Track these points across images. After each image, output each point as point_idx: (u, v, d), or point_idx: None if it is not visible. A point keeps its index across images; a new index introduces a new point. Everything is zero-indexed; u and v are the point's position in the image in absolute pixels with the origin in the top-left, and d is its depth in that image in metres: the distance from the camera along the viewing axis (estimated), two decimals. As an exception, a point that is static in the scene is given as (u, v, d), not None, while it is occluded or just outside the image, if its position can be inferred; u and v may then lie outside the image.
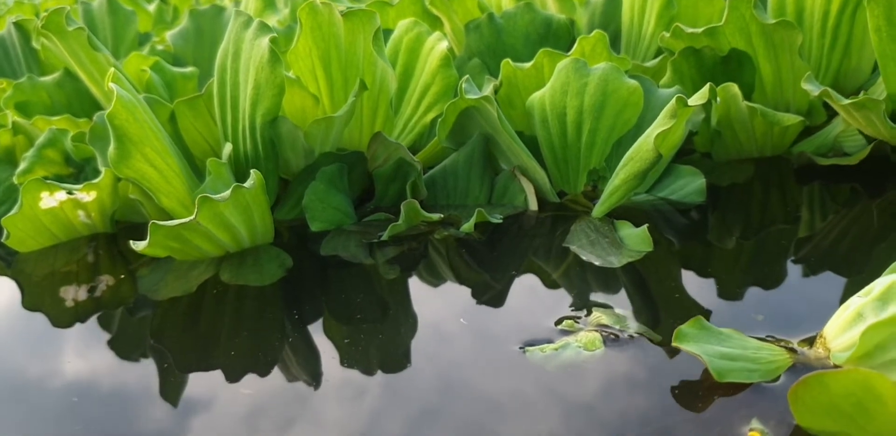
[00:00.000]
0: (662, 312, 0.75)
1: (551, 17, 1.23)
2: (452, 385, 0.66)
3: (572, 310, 0.75)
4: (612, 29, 1.46)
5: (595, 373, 0.65)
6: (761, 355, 0.62)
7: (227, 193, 0.77)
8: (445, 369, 0.68)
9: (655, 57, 1.32)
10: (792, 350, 0.64)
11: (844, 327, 0.61)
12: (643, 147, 0.84)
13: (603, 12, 1.45)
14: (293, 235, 1.00)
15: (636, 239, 0.85)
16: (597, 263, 0.83)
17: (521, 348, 0.69)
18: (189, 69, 1.26)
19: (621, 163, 0.88)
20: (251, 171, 0.81)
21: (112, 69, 0.86)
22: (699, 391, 0.61)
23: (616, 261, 0.83)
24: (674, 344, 0.61)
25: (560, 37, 1.23)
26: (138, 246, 0.78)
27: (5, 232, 0.94)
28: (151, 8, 1.98)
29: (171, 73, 1.23)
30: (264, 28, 0.92)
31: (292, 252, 0.95)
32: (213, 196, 0.76)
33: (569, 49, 1.24)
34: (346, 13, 0.95)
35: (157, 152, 0.85)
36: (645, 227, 0.84)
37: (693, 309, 0.74)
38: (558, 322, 0.72)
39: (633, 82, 0.97)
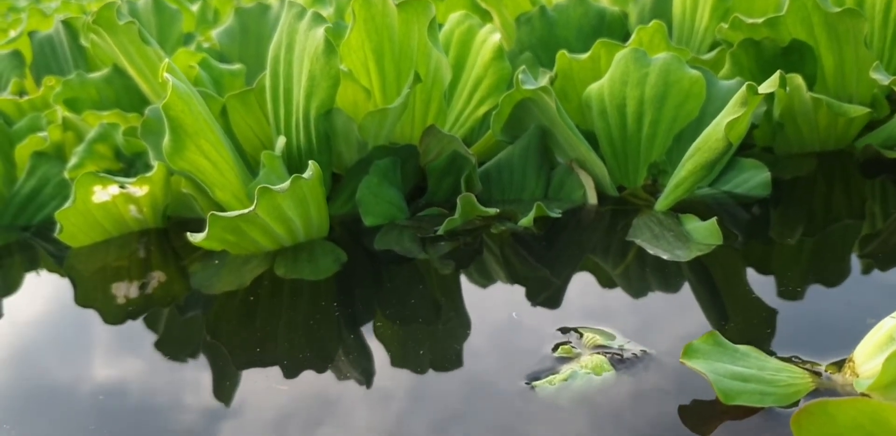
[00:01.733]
0: (688, 321, 0.70)
1: (604, 10, 1.20)
2: (484, 391, 0.63)
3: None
4: (663, 21, 1.43)
5: (608, 398, 0.60)
6: (779, 378, 0.56)
7: (287, 184, 0.75)
8: (487, 371, 0.66)
9: (710, 50, 1.29)
10: (817, 374, 0.57)
11: (874, 351, 0.55)
12: (712, 136, 0.81)
13: (653, 5, 1.43)
14: (345, 229, 0.98)
15: (704, 232, 0.82)
16: (665, 257, 0.80)
17: (527, 383, 0.62)
18: (236, 66, 1.25)
19: (688, 153, 0.85)
20: (309, 162, 0.80)
21: (166, 60, 0.84)
22: (709, 414, 0.56)
23: (684, 255, 0.80)
24: (681, 360, 0.56)
25: (614, 29, 1.20)
26: (196, 238, 0.77)
27: (58, 226, 0.93)
28: (194, 8, 1.98)
29: (218, 70, 1.22)
30: (318, 18, 0.90)
31: (345, 247, 0.93)
32: (273, 187, 0.74)
33: (623, 42, 1.22)
34: (400, 3, 0.93)
35: (212, 144, 0.84)
36: (714, 220, 0.81)
37: (721, 319, 0.69)
38: (554, 349, 0.65)
39: (696, 72, 0.94)
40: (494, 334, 0.72)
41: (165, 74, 0.81)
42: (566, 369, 0.62)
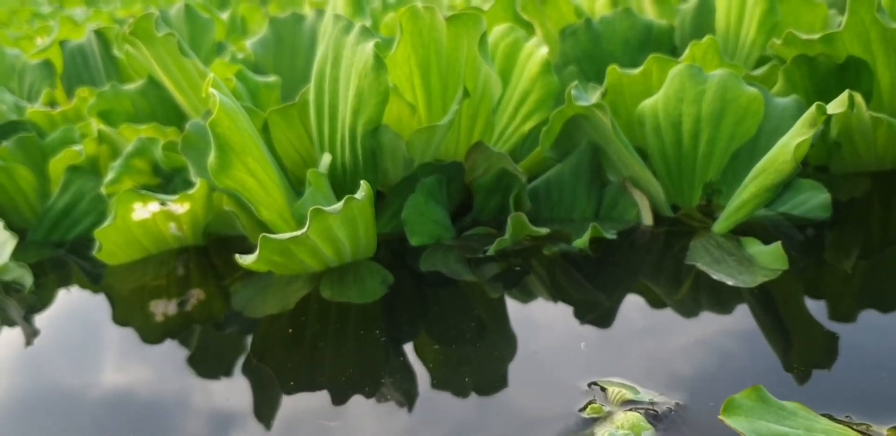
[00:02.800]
0: (733, 364, 0.66)
1: (651, 23, 1.18)
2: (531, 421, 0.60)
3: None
4: (704, 36, 1.39)
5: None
6: (827, 442, 0.51)
7: (340, 205, 0.73)
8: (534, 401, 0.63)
9: (756, 64, 1.26)
10: (873, 439, 0.52)
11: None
12: (778, 158, 0.78)
13: (693, 19, 1.40)
14: (389, 249, 0.95)
15: (769, 257, 0.79)
16: (729, 282, 0.77)
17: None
18: (272, 78, 1.22)
19: (751, 175, 0.82)
20: (361, 181, 0.77)
21: (211, 75, 0.82)
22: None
23: (749, 280, 0.76)
24: (720, 417, 0.51)
25: (661, 43, 1.17)
26: (246, 260, 0.74)
27: (97, 244, 0.91)
28: (223, 16, 1.96)
29: (254, 82, 1.20)
30: (366, 33, 0.87)
31: (391, 267, 0.90)
32: (326, 209, 0.72)
33: (670, 55, 1.19)
34: (450, 17, 0.90)
35: (258, 162, 0.81)
36: (778, 244, 0.78)
37: (770, 361, 0.65)
38: (583, 409, 0.60)
39: (754, 90, 0.91)
40: (542, 364, 0.69)
41: (211, 90, 0.79)
42: (603, 432, 0.57)
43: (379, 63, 0.85)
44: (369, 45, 0.85)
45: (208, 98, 0.82)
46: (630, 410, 0.59)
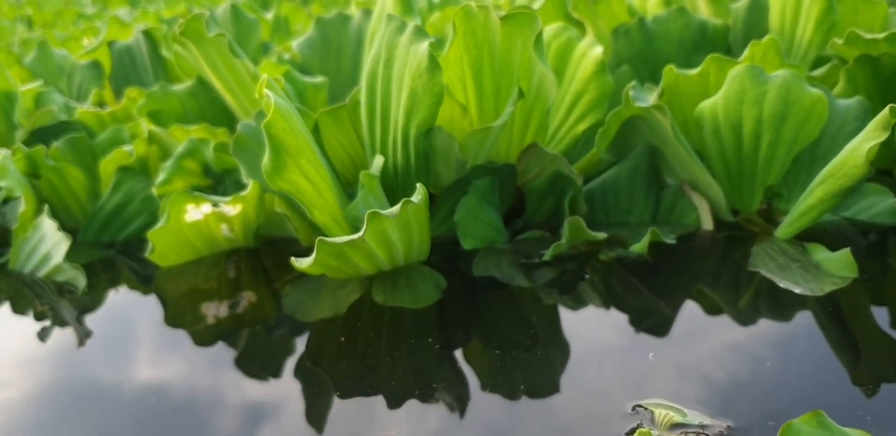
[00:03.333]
0: (791, 381, 0.63)
1: (706, 22, 1.15)
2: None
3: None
4: (757, 35, 1.37)
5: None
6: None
7: (396, 208, 0.71)
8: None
9: (813, 64, 1.23)
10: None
11: None
12: (848, 162, 0.75)
13: (746, 18, 1.36)
14: (440, 252, 0.93)
15: (837, 264, 0.76)
16: (797, 290, 0.74)
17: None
18: (319, 79, 1.22)
19: (818, 179, 0.80)
20: (417, 185, 0.75)
21: (265, 76, 0.81)
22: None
23: (817, 288, 0.74)
24: None
25: (716, 42, 1.15)
26: (302, 263, 0.73)
27: (150, 246, 0.90)
28: (268, 16, 1.96)
29: (302, 82, 1.19)
30: (420, 33, 0.86)
31: (442, 271, 0.88)
32: (383, 212, 0.70)
33: (725, 55, 1.16)
34: (504, 16, 0.89)
35: (312, 164, 0.80)
36: (847, 250, 0.76)
37: (832, 381, 0.62)
38: (630, 434, 0.58)
39: (817, 91, 0.88)
40: (602, 375, 0.67)
41: (265, 91, 0.78)
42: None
43: (433, 63, 0.83)
44: (424, 45, 0.84)
45: (261, 99, 0.81)
46: (680, 434, 0.57)
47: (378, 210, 0.70)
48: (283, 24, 1.98)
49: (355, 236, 0.71)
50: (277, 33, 1.94)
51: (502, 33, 0.90)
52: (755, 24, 1.36)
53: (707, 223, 0.89)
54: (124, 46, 1.46)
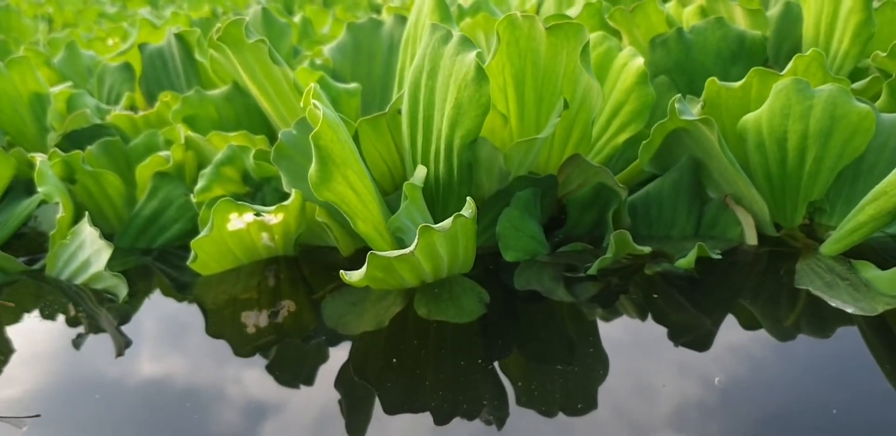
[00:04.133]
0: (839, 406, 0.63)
1: (744, 33, 1.14)
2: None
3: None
4: (788, 46, 1.36)
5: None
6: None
7: (448, 223, 0.71)
8: None
9: (850, 76, 1.22)
10: None
11: None
12: (903, 180, 0.75)
13: (778, 27, 1.36)
14: (480, 263, 0.93)
15: (888, 282, 0.75)
16: (849, 310, 0.74)
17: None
18: (353, 85, 1.21)
19: (869, 197, 0.79)
20: (467, 199, 0.75)
21: (312, 84, 0.81)
22: None
23: (869, 308, 0.73)
24: None
25: (754, 54, 1.14)
26: (352, 277, 0.72)
27: (192, 254, 0.90)
28: (297, 20, 1.96)
29: (336, 89, 1.19)
30: (466, 43, 0.85)
31: (483, 283, 0.88)
32: (435, 227, 0.70)
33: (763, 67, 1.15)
34: (551, 27, 0.88)
35: (358, 175, 0.80)
36: (897, 269, 0.75)
37: (883, 416, 0.61)
38: None
39: (865, 106, 0.87)
40: (650, 400, 0.66)
41: (313, 101, 0.78)
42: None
43: (480, 74, 0.83)
44: (470, 56, 0.83)
45: (306, 108, 0.81)
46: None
47: (430, 224, 0.70)
48: (309, 27, 1.98)
49: (406, 251, 0.70)
50: (304, 37, 1.94)
51: (547, 43, 0.90)
52: (787, 33, 1.35)
53: (751, 238, 0.89)
54: (156, 49, 1.46)
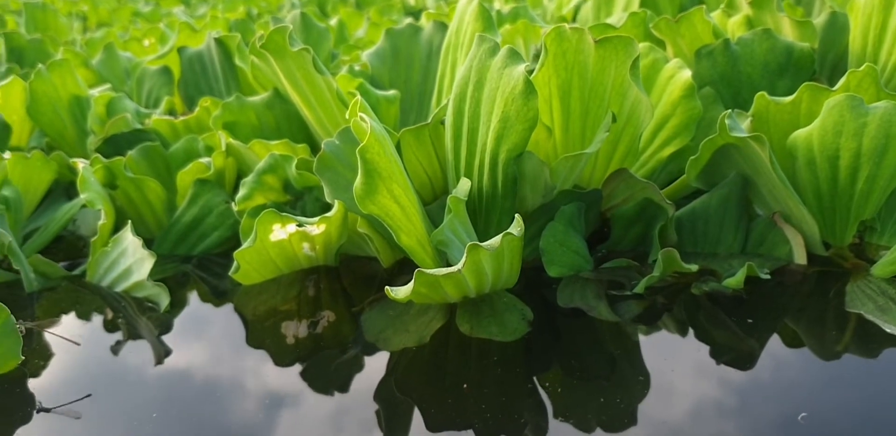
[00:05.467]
0: None
1: (792, 46, 1.12)
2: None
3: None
4: (832, 57, 1.34)
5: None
6: None
7: (497, 241, 0.70)
8: None
9: (898, 90, 1.20)
10: None
11: None
12: (964, 204, 0.73)
13: (823, 38, 1.33)
14: (522, 277, 0.91)
15: (944, 309, 0.74)
16: (904, 336, 0.72)
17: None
18: (392, 92, 1.21)
19: (927, 219, 0.77)
20: (515, 216, 0.74)
21: (358, 97, 0.80)
22: None
23: (925, 334, 0.72)
24: None
25: (802, 67, 1.12)
26: (398, 294, 0.72)
27: (235, 265, 0.90)
28: (333, 22, 1.95)
29: (375, 96, 1.18)
30: (514, 56, 0.84)
31: (525, 298, 0.87)
32: (483, 245, 0.69)
33: (810, 80, 1.13)
34: (601, 39, 0.87)
35: (402, 188, 0.79)
36: (954, 295, 0.73)
37: None
38: None
39: (921, 124, 0.85)
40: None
41: (360, 114, 0.77)
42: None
43: (529, 88, 0.82)
44: (519, 69, 0.82)
45: (352, 119, 0.80)
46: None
47: (478, 243, 0.69)
48: (345, 31, 1.98)
49: (454, 269, 0.69)
50: (340, 41, 1.93)
51: (596, 56, 0.88)
52: (832, 43, 1.33)
53: (801, 257, 0.87)
54: (195, 53, 1.46)
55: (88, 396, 0.73)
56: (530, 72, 0.84)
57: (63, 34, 2.64)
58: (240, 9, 2.61)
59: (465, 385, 0.71)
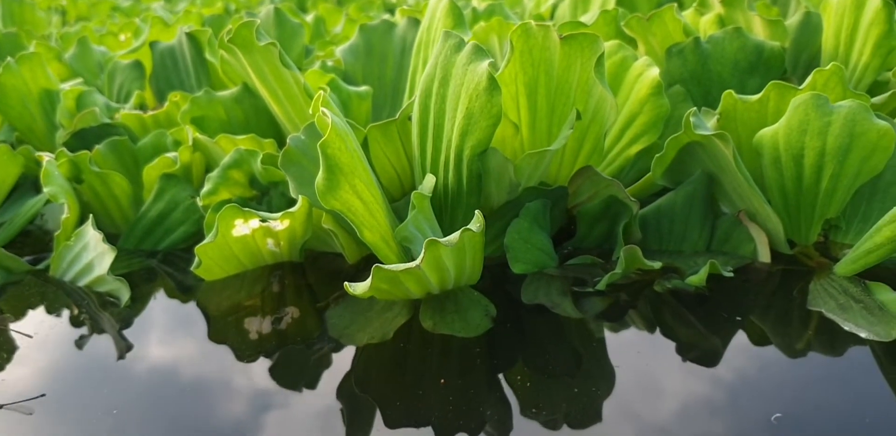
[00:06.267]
0: None
1: (763, 44, 1.12)
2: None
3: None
4: (806, 56, 1.34)
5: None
6: None
7: (455, 237, 0.70)
8: None
9: (869, 90, 1.20)
10: None
11: None
12: (922, 203, 0.73)
13: (796, 38, 1.34)
14: (486, 274, 0.91)
15: (903, 307, 0.74)
16: (862, 334, 0.72)
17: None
18: (363, 88, 1.20)
19: (887, 218, 0.77)
20: (476, 211, 0.74)
21: (321, 91, 0.79)
22: None
23: (884, 333, 0.72)
24: None
25: (772, 66, 1.12)
26: (356, 289, 0.71)
27: (196, 260, 0.89)
28: (309, 19, 1.94)
29: (346, 92, 1.17)
30: (479, 52, 0.84)
31: (490, 294, 0.87)
32: (441, 241, 0.69)
33: (781, 79, 1.14)
34: (566, 36, 0.87)
35: (365, 184, 0.79)
36: (913, 293, 0.73)
37: None
38: None
39: (884, 124, 0.85)
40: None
41: (322, 109, 0.77)
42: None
43: (492, 85, 0.81)
44: (483, 66, 0.82)
45: (315, 114, 0.80)
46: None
47: (436, 239, 0.69)
48: (322, 26, 1.97)
49: (412, 264, 0.69)
50: (316, 36, 1.92)
51: (561, 54, 0.88)
52: (806, 42, 1.33)
53: (764, 256, 0.87)
54: (167, 48, 1.45)
55: (42, 395, 0.72)
56: (496, 68, 0.84)
57: (40, 28, 2.62)
58: (218, 4, 2.60)
59: (442, 381, 0.71)
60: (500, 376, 0.72)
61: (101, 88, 1.56)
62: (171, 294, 0.94)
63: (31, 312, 0.91)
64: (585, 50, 0.87)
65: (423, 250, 0.69)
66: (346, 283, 0.72)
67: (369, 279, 0.70)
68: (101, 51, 1.73)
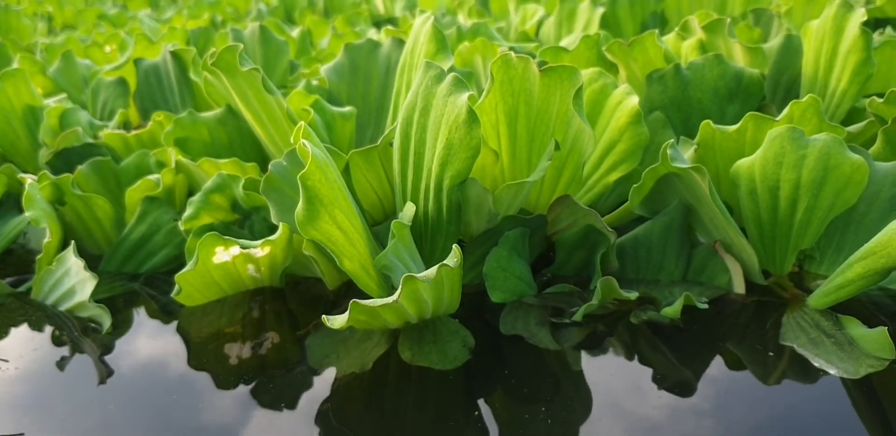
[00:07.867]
0: None
1: (742, 72, 1.14)
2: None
3: None
4: (787, 79, 1.36)
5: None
6: None
7: (432, 272, 0.70)
8: None
9: (847, 116, 1.22)
10: None
11: None
12: (892, 242, 0.74)
13: (776, 62, 1.36)
14: (465, 301, 0.92)
15: (873, 343, 0.75)
16: (831, 371, 0.73)
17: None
18: (347, 109, 1.21)
19: (859, 254, 0.79)
20: (453, 246, 0.75)
21: (302, 123, 0.80)
22: None
23: (853, 370, 0.73)
24: None
25: (751, 93, 1.14)
26: (334, 323, 0.72)
27: (176, 287, 0.90)
28: (295, 33, 1.95)
29: (330, 113, 1.18)
30: (459, 84, 0.85)
31: (469, 324, 0.87)
32: (418, 276, 0.69)
33: (759, 107, 1.15)
34: (545, 68, 0.88)
35: (345, 214, 0.79)
36: (883, 330, 0.74)
37: None
38: None
39: (858, 158, 0.87)
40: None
41: (303, 141, 0.77)
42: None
43: (472, 117, 0.82)
44: (462, 98, 0.83)
45: (296, 143, 0.80)
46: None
47: (413, 274, 0.69)
48: (308, 40, 1.97)
49: (389, 300, 0.70)
50: (302, 52, 1.93)
51: (541, 84, 0.89)
52: (787, 65, 1.35)
53: (739, 287, 0.89)
54: (151, 65, 1.45)
55: (21, 434, 0.72)
56: (476, 100, 0.85)
57: (26, 36, 2.61)
58: (204, 15, 2.60)
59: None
60: (478, 407, 0.73)
61: (85, 104, 1.56)
62: (153, 317, 0.94)
63: (10, 336, 0.91)
64: (565, 82, 0.88)
65: (401, 286, 0.70)
66: (323, 316, 0.73)
67: (347, 313, 0.71)
68: (86, 64, 1.73)
